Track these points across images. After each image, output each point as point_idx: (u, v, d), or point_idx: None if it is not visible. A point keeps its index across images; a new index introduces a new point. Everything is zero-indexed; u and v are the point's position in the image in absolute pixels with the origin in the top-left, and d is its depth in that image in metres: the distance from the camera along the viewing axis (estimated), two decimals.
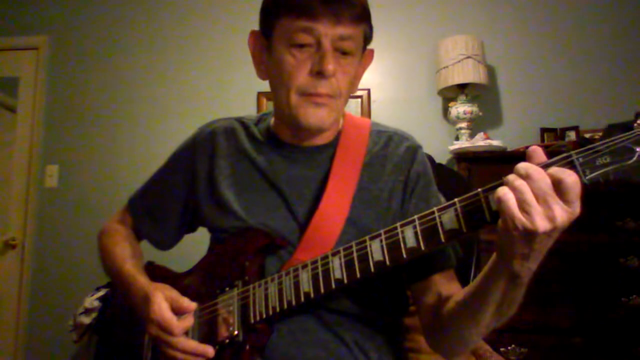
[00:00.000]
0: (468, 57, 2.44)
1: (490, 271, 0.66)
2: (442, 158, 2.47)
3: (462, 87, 2.50)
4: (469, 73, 2.43)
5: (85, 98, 2.93)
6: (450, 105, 2.56)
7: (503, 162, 2.23)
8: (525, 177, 0.56)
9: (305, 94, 0.81)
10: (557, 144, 2.34)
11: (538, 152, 0.59)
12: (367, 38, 0.86)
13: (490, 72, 2.65)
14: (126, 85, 2.92)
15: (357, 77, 0.89)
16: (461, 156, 2.26)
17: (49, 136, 2.92)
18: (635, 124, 0.49)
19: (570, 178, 0.54)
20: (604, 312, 2.05)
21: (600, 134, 2.42)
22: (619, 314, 2.04)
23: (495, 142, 2.33)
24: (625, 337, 2.03)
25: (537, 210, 0.55)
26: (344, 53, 0.81)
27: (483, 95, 2.65)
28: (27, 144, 2.93)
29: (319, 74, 0.79)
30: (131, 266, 0.90)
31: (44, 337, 2.72)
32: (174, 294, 0.81)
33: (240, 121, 0.98)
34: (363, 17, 0.81)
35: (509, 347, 2.01)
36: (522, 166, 0.57)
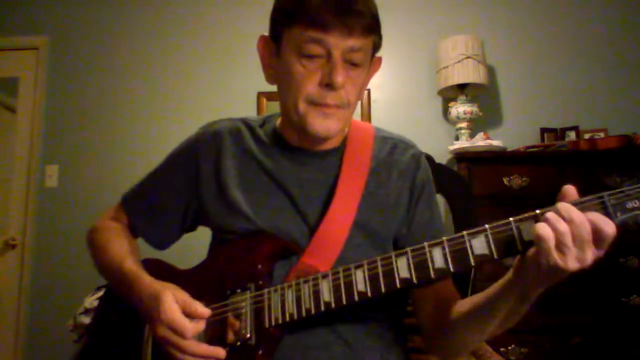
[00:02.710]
0: (468, 57, 2.44)
1: (502, 289, 0.69)
2: (442, 158, 2.46)
3: (462, 87, 2.50)
4: (469, 73, 2.43)
5: (85, 98, 2.93)
6: (450, 105, 2.56)
7: (503, 162, 2.23)
8: (568, 220, 0.58)
9: (314, 103, 0.81)
10: (557, 144, 2.34)
11: (571, 191, 0.63)
12: (376, 47, 0.86)
13: (490, 72, 2.65)
14: (126, 86, 2.92)
15: (364, 86, 0.89)
16: (461, 156, 2.26)
17: (49, 136, 2.92)
18: None
19: (609, 228, 0.58)
20: (604, 312, 2.05)
21: (602, 134, 2.43)
22: (619, 314, 2.04)
23: (495, 142, 2.33)
24: (625, 337, 2.03)
25: (572, 252, 0.58)
26: (354, 64, 0.81)
27: (483, 95, 2.65)
28: (27, 144, 2.93)
29: (328, 85, 0.79)
30: (132, 263, 0.87)
31: (44, 337, 2.72)
32: (185, 296, 0.79)
33: (245, 122, 0.97)
34: (373, 28, 0.81)
35: (509, 347, 2.01)
36: (564, 208, 0.59)
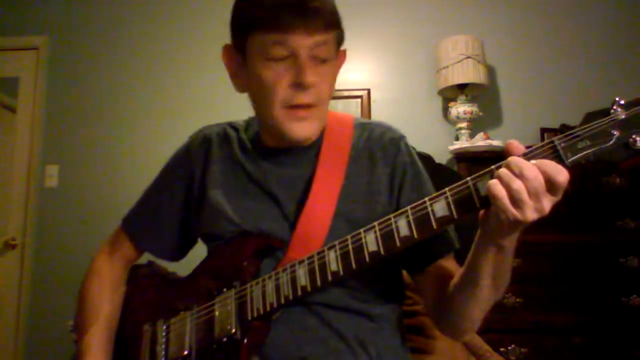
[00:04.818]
0: (468, 57, 2.44)
1: (478, 246, 0.70)
2: (442, 158, 2.46)
3: (462, 87, 2.50)
4: (469, 73, 2.43)
5: (85, 98, 2.94)
6: (450, 105, 2.57)
7: None
8: (520, 176, 0.59)
9: (288, 106, 0.81)
10: None
11: (515, 145, 0.64)
12: (340, 41, 0.86)
13: (490, 72, 2.65)
14: (126, 85, 2.92)
15: (334, 81, 0.89)
16: (461, 156, 2.26)
17: (49, 136, 2.92)
18: (612, 110, 0.55)
19: (562, 177, 0.59)
20: (604, 312, 2.05)
21: None
22: (619, 314, 2.04)
23: (495, 142, 2.33)
24: (625, 337, 2.03)
25: (528, 205, 0.60)
26: (322, 60, 0.81)
27: (483, 95, 2.65)
28: (27, 144, 2.93)
29: (299, 85, 0.79)
30: (96, 332, 0.92)
31: (44, 337, 2.72)
32: None
33: (232, 127, 0.99)
34: (333, 23, 0.81)
35: (509, 347, 2.01)
36: (516, 164, 0.60)
